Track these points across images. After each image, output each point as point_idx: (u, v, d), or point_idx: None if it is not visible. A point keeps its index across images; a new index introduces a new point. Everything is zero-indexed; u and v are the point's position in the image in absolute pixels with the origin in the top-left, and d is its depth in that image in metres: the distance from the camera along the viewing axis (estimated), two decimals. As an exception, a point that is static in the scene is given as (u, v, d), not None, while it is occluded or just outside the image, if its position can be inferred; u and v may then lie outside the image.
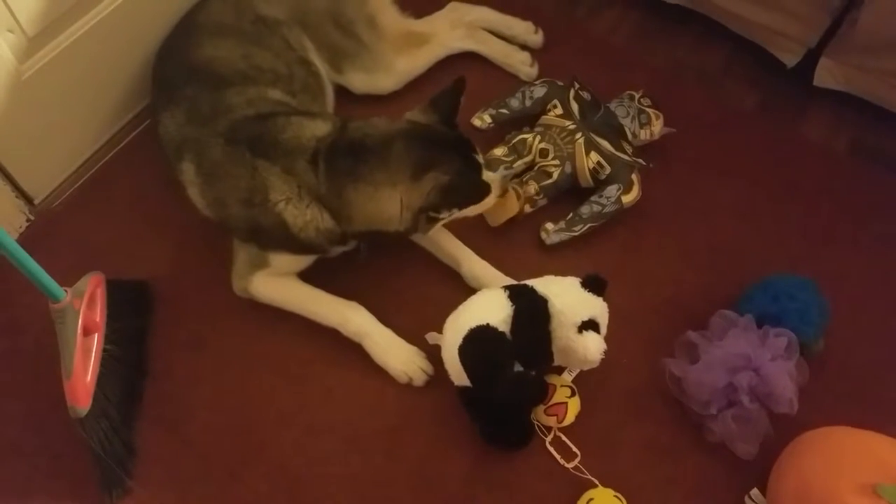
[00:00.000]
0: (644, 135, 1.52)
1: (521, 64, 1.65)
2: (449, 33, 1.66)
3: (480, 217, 1.40)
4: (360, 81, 1.57)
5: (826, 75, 1.64)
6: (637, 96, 1.54)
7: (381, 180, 1.19)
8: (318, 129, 1.25)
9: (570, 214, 1.43)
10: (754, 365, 1.19)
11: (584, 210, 1.43)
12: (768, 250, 1.47)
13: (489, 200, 1.30)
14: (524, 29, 1.70)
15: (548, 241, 1.43)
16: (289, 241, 1.27)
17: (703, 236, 1.48)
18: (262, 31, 1.42)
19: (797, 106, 1.70)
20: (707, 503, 1.21)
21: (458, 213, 1.27)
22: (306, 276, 1.36)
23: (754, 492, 1.19)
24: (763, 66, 1.72)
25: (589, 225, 1.42)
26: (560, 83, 1.53)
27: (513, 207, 1.40)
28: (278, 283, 1.34)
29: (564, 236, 1.43)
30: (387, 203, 1.20)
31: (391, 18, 1.58)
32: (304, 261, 1.34)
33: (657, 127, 1.52)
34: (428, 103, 1.26)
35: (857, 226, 1.52)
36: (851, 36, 1.54)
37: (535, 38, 1.70)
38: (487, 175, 1.29)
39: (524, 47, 1.69)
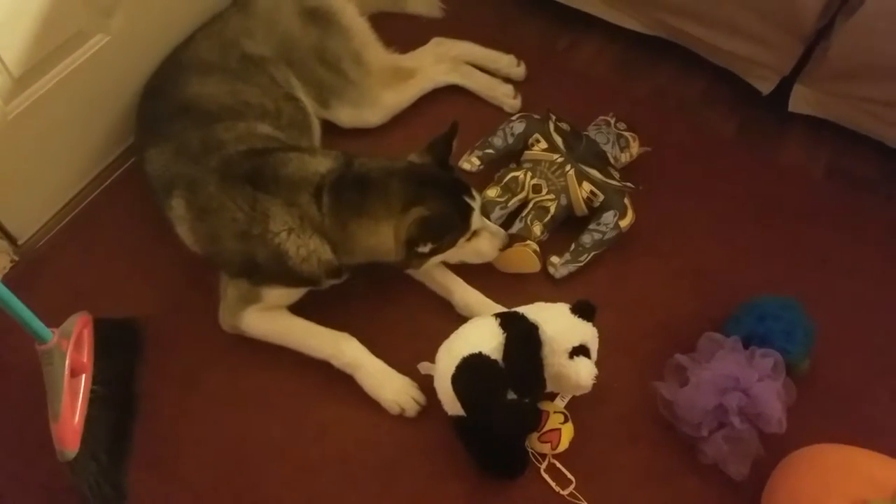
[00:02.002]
0: (624, 157, 1.56)
1: (505, 96, 1.69)
2: (434, 67, 1.69)
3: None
4: (346, 116, 1.59)
5: (801, 101, 1.69)
6: (612, 121, 1.58)
7: (382, 214, 1.24)
8: (321, 164, 1.29)
9: (573, 246, 1.46)
10: (743, 386, 1.20)
11: (586, 239, 1.46)
12: (752, 272, 1.49)
13: (490, 254, 1.34)
14: (507, 62, 1.73)
15: (557, 275, 1.45)
16: (284, 274, 1.28)
17: (689, 260, 1.51)
18: (248, 69, 1.44)
19: (774, 132, 1.75)
20: (703, 526, 1.22)
21: (447, 253, 1.30)
22: (297, 311, 1.36)
23: None
24: (740, 95, 1.77)
25: (593, 253, 1.45)
26: (537, 116, 1.56)
27: (533, 267, 1.43)
28: (270, 318, 1.34)
29: (572, 268, 1.45)
30: (385, 236, 1.24)
31: (376, 54, 1.62)
32: (297, 294, 1.35)
33: (635, 149, 1.57)
34: (426, 147, 1.32)
35: (837, 246, 1.55)
36: (824, 63, 1.60)
37: (518, 70, 1.74)
38: (488, 227, 1.33)
39: (507, 80, 1.72)
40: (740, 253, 1.53)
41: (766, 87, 1.71)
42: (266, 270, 1.28)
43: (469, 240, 1.31)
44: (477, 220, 1.29)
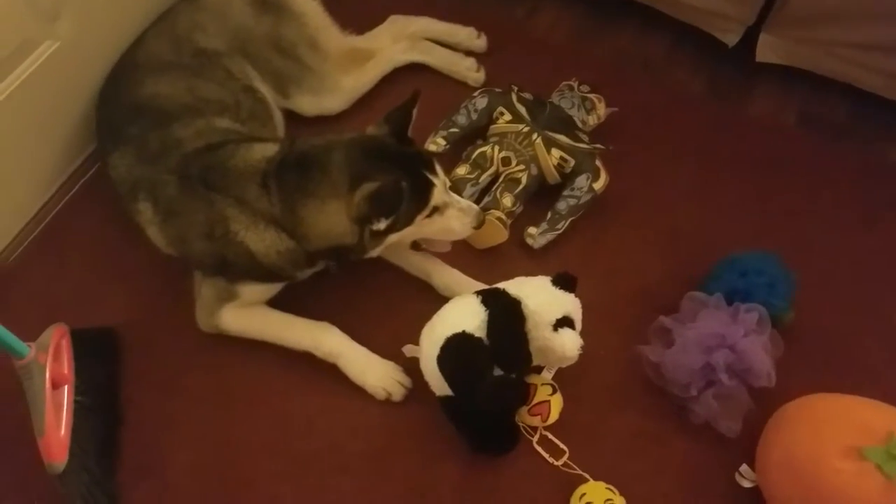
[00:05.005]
0: (592, 120, 1.54)
1: (468, 70, 1.66)
2: (392, 47, 1.66)
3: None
4: (307, 104, 1.56)
5: (767, 51, 1.67)
6: (575, 85, 1.56)
7: (328, 193, 1.18)
8: (268, 150, 1.24)
9: (549, 214, 1.44)
10: (729, 342, 1.20)
11: (561, 206, 1.44)
12: (730, 228, 1.49)
13: (462, 231, 1.28)
14: (467, 35, 1.70)
15: (535, 245, 1.44)
16: (256, 270, 1.25)
17: (665, 221, 1.50)
18: (203, 64, 1.41)
19: (743, 84, 1.73)
20: (698, 485, 1.22)
21: (409, 231, 1.23)
22: (276, 303, 1.34)
23: (744, 468, 1.21)
24: (706, 50, 1.75)
25: (570, 219, 1.44)
26: (498, 90, 1.54)
27: (501, 236, 1.41)
28: (248, 314, 1.32)
29: (550, 236, 1.44)
30: (336, 216, 1.18)
31: (332, 38, 1.57)
32: (274, 288, 1.33)
33: (601, 110, 1.55)
34: (383, 118, 1.25)
35: (813, 195, 1.55)
36: (787, 10, 1.58)
37: (479, 42, 1.70)
38: (458, 203, 1.27)
39: (469, 53, 1.69)
40: (716, 209, 1.52)
41: (731, 38, 1.69)
42: (238, 268, 1.25)
43: (433, 216, 1.24)
44: (441, 195, 1.23)
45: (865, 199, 1.55)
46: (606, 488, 1.17)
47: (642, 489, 1.20)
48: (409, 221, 1.21)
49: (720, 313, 1.24)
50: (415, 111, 1.25)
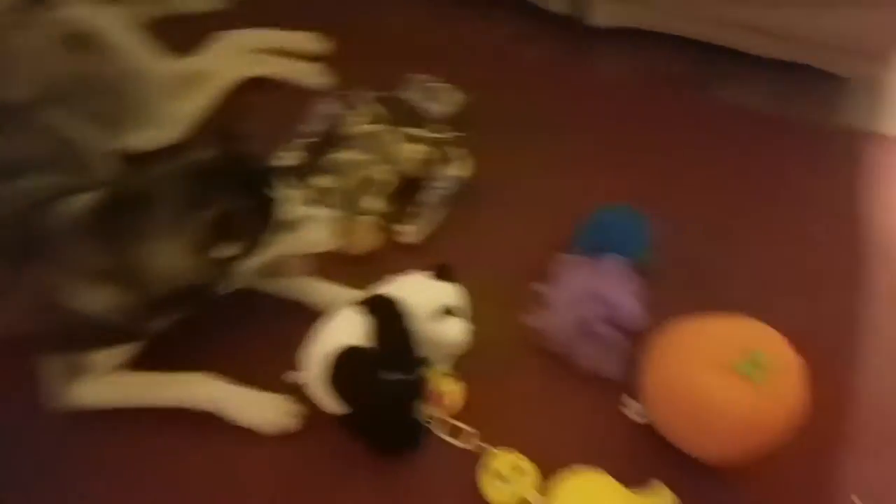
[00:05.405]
0: (444, 108, 1.57)
1: (312, 76, 1.63)
2: (227, 64, 1.60)
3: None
4: (141, 139, 1.44)
5: (602, 15, 1.73)
6: (419, 77, 1.58)
7: (161, 231, 1.09)
8: (89, 199, 1.13)
9: (420, 208, 1.45)
10: (598, 295, 1.28)
11: (430, 199, 1.45)
12: (591, 189, 1.53)
13: (325, 242, 1.24)
14: (305, 40, 1.67)
15: (410, 241, 1.44)
16: (100, 337, 1.17)
17: (531, 194, 1.55)
18: (6, 120, 1.27)
19: (586, 50, 1.80)
20: (595, 430, 1.27)
21: (263, 254, 1.17)
22: (142, 363, 1.26)
23: (625, 399, 1.27)
24: (546, 23, 1.80)
25: (441, 210, 1.45)
26: (347, 92, 1.54)
27: (375, 240, 1.40)
28: (106, 384, 1.21)
29: (424, 231, 1.44)
30: (175, 254, 1.09)
31: (158, 66, 1.49)
32: (126, 351, 1.23)
33: (453, 97, 1.58)
34: (211, 138, 1.17)
35: (663, 143, 1.64)
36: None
37: (319, 46, 1.68)
38: (313, 215, 1.23)
39: (311, 58, 1.66)
40: (578, 176, 1.58)
41: (563, 7, 1.75)
42: (79, 339, 1.17)
43: (290, 233, 1.19)
44: (293, 210, 1.18)
45: (708, 138, 1.66)
46: (512, 455, 1.21)
47: (546, 447, 1.23)
48: (261, 244, 1.15)
49: (586, 269, 1.32)
50: (248, 125, 1.18)
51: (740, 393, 1.09)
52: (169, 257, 1.10)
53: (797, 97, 1.75)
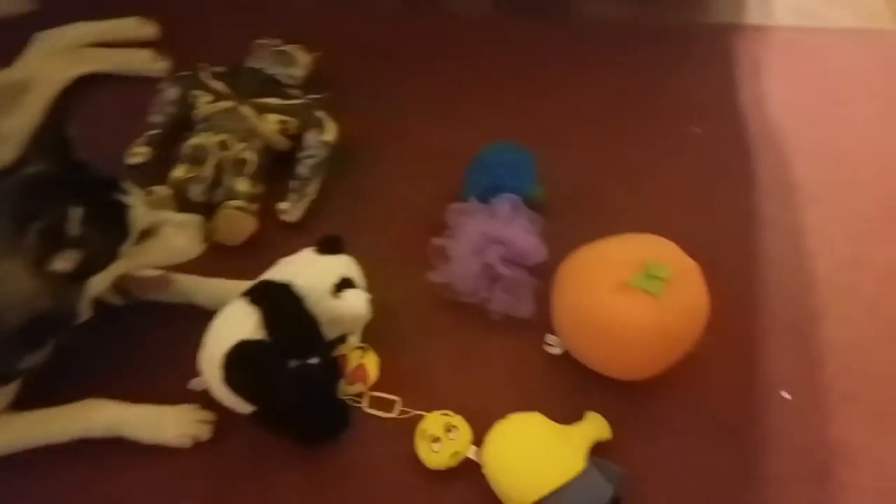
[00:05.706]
0: (297, 72, 1.48)
1: (147, 63, 1.51)
2: (50, 68, 1.44)
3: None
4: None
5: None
6: (265, 42, 1.48)
7: None
8: None
9: (293, 182, 1.37)
10: (495, 237, 1.26)
11: (303, 170, 1.37)
12: (471, 132, 1.50)
13: (190, 246, 1.16)
14: (133, 26, 1.54)
15: (292, 219, 1.36)
16: None
17: (411, 147, 1.49)
18: None
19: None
20: (520, 372, 1.26)
21: (114, 266, 1.08)
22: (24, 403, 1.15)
23: (548, 337, 1.27)
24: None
25: (315, 180, 1.37)
26: (186, 73, 1.41)
27: (250, 225, 1.32)
28: None
29: (304, 205, 1.37)
30: (13, 278, 0.99)
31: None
32: (4, 394, 1.12)
33: (304, 59, 1.49)
34: (34, 148, 1.10)
35: (537, 77, 1.61)
36: None
37: (149, 30, 1.55)
38: (172, 219, 1.14)
39: (143, 45, 1.53)
40: (453, 116, 1.54)
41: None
42: None
43: (146, 241, 1.11)
44: (145, 216, 1.10)
45: (580, 59, 1.65)
46: (443, 415, 1.18)
47: (476, 401, 1.22)
48: (112, 255, 1.07)
49: (479, 214, 1.29)
50: (71, 129, 1.08)
51: (642, 307, 1.10)
52: (11, 281, 1.00)
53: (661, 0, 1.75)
